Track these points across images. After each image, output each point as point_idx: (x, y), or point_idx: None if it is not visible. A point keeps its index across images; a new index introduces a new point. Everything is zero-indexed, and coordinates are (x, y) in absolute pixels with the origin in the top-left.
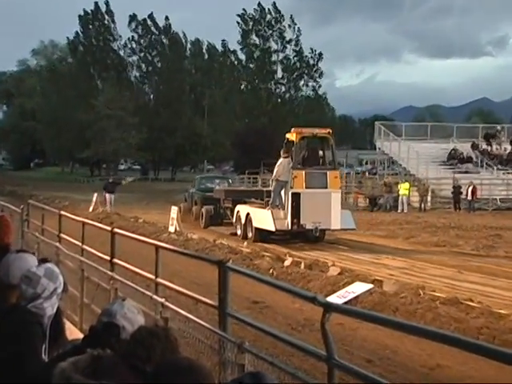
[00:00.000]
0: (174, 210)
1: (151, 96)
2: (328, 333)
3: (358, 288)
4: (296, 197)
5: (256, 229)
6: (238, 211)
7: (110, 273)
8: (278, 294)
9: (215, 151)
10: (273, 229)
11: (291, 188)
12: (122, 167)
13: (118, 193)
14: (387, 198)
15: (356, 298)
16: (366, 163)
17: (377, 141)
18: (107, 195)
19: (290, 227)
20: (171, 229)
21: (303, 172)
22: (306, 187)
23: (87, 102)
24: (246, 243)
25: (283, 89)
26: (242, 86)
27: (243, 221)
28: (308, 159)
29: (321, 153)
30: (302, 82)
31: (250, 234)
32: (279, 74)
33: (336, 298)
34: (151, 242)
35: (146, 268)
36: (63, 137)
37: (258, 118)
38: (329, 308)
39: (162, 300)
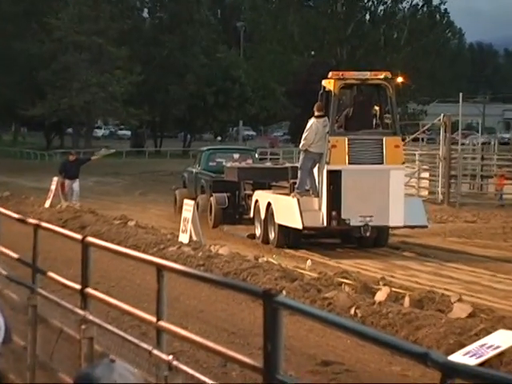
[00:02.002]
0: (189, 205)
1: (146, 12)
2: None
3: (503, 339)
4: (335, 177)
5: (280, 226)
6: (256, 200)
7: (80, 312)
8: (365, 350)
9: (258, 106)
10: (299, 226)
11: (327, 164)
12: (99, 133)
13: (94, 178)
14: None
15: (499, 355)
16: None
17: None
18: (67, 182)
19: (325, 223)
20: (183, 238)
21: (346, 138)
22: (351, 162)
23: (41, 22)
24: (309, 262)
25: None
26: None
27: (263, 215)
28: (354, 119)
29: (375, 109)
30: None
31: (272, 235)
32: None
33: (465, 357)
34: (150, 260)
35: (141, 304)
36: (0, 83)
37: (331, 50)
38: (452, 372)
39: (169, 358)
